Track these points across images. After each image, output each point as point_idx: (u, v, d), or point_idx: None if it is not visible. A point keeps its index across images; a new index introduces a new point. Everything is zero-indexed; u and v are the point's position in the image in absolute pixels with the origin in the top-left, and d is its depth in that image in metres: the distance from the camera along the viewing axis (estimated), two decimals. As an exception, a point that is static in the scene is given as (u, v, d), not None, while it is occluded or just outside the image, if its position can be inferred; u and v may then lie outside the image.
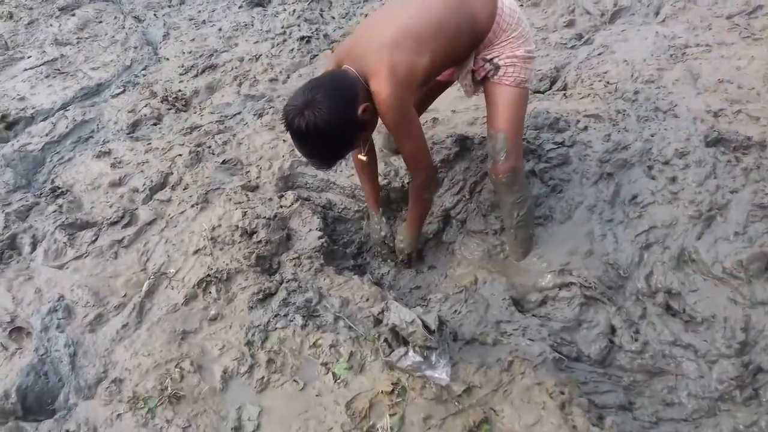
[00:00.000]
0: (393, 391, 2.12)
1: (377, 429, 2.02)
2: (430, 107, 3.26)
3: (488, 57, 2.43)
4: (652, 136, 3.15)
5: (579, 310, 2.48)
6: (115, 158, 3.62)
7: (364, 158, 2.61)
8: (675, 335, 2.38)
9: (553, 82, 4.04)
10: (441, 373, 2.11)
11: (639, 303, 2.51)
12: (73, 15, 5.80)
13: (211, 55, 4.83)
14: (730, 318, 2.34)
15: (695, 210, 2.70)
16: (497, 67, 2.42)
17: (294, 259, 2.73)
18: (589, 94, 3.64)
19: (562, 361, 2.26)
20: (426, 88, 2.84)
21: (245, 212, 2.87)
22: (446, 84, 2.85)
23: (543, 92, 3.95)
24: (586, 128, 3.30)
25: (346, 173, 3.33)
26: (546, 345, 2.29)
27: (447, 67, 2.48)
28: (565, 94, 3.74)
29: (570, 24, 4.65)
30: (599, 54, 4.09)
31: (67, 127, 3.98)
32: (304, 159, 3.38)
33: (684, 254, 2.59)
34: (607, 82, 3.72)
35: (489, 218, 2.95)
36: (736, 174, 2.81)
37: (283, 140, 3.62)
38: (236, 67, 4.62)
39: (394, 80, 2.13)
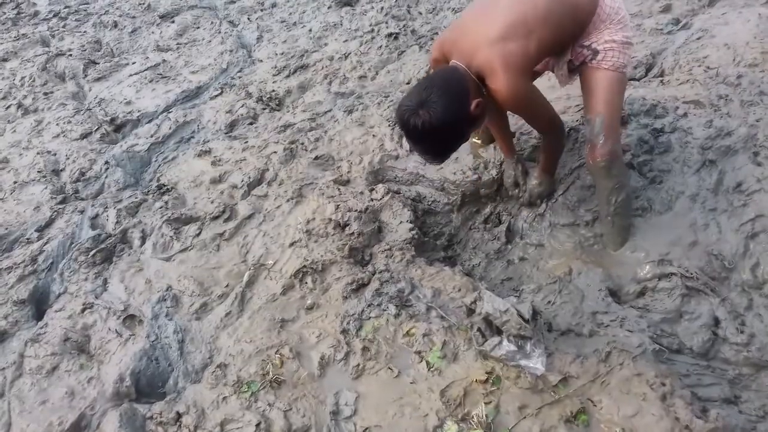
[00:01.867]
0: (487, 380, 2.12)
1: (473, 416, 2.02)
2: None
3: (586, 43, 2.42)
4: (757, 121, 3.00)
5: (680, 302, 2.40)
6: (215, 157, 3.79)
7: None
8: (784, 327, 2.26)
9: (648, 69, 3.90)
10: (536, 363, 2.09)
11: (745, 294, 2.40)
12: (173, 22, 6.10)
13: (302, 55, 4.96)
14: None
15: (806, 197, 2.56)
16: (596, 52, 2.40)
17: (386, 250, 2.77)
18: (688, 80, 3.49)
19: (662, 353, 2.19)
20: None
21: (338, 205, 2.94)
22: (537, 75, 2.82)
23: (638, 79, 3.83)
24: (685, 115, 3.18)
25: (435, 166, 3.34)
26: (645, 336, 2.23)
27: (552, 52, 2.48)
28: (662, 81, 3.61)
29: (666, 9, 4.48)
30: (698, 38, 3.92)
31: (170, 129, 4.20)
32: (393, 153, 3.46)
33: (794, 244, 2.46)
34: (708, 67, 3.56)
35: (578, 211, 2.90)
36: None
37: (373, 135, 3.68)
38: (326, 66, 4.73)
39: (511, 73, 2.18)
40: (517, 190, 3.03)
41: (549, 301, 2.47)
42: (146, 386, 2.44)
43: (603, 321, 2.34)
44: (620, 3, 2.40)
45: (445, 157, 2.39)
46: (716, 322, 2.33)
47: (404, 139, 2.29)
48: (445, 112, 2.12)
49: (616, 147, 2.51)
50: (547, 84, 3.49)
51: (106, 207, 3.44)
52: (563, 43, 2.41)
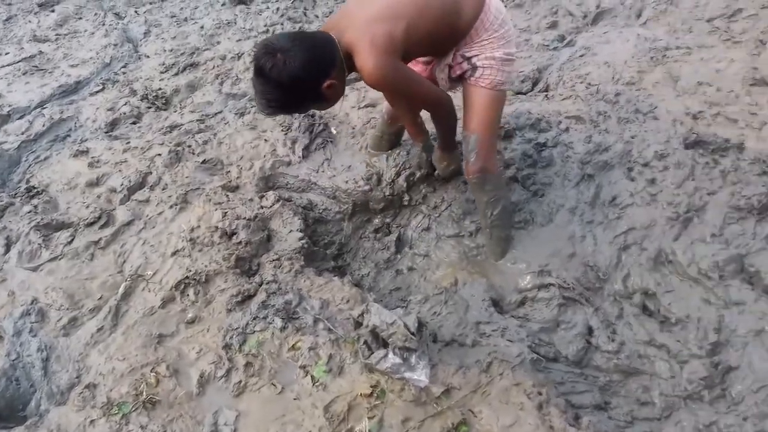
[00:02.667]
0: (372, 393, 2.11)
1: (355, 432, 2.00)
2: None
3: (467, 54, 2.45)
4: (632, 137, 3.17)
5: (557, 311, 2.49)
6: (92, 157, 3.57)
7: None
8: (650, 335, 2.39)
9: (535, 83, 4.05)
10: (420, 375, 2.10)
11: (616, 304, 2.53)
12: (53, 11, 5.74)
13: (193, 53, 4.79)
14: (703, 318, 2.36)
15: (673, 212, 2.72)
16: (475, 68, 2.44)
17: (274, 260, 2.70)
18: (570, 96, 3.65)
19: (540, 362, 2.27)
20: None
21: (225, 213, 2.84)
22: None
23: (525, 93, 3.96)
24: (567, 129, 3.32)
25: (327, 174, 3.31)
26: (524, 346, 2.29)
27: (425, 50, 2.51)
28: (546, 96, 3.76)
29: (553, 25, 4.67)
30: (581, 56, 4.11)
31: (43, 126, 3.93)
32: (285, 159, 3.40)
33: (661, 255, 2.60)
34: (589, 84, 3.74)
35: (462, 222, 2.96)
36: (714, 176, 2.83)
37: (265, 140, 3.59)
38: (218, 66, 4.59)
39: (374, 51, 2.18)
40: (427, 169, 3.11)
41: (435, 312, 2.49)
42: (5, 409, 2.25)
43: (485, 331, 2.38)
44: (506, 17, 2.44)
45: (274, 113, 2.35)
46: (590, 330, 2.43)
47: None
48: (298, 70, 2.11)
49: (489, 164, 2.60)
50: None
51: (-33, 211, 3.16)
52: (442, 40, 2.42)
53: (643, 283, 2.53)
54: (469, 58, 2.45)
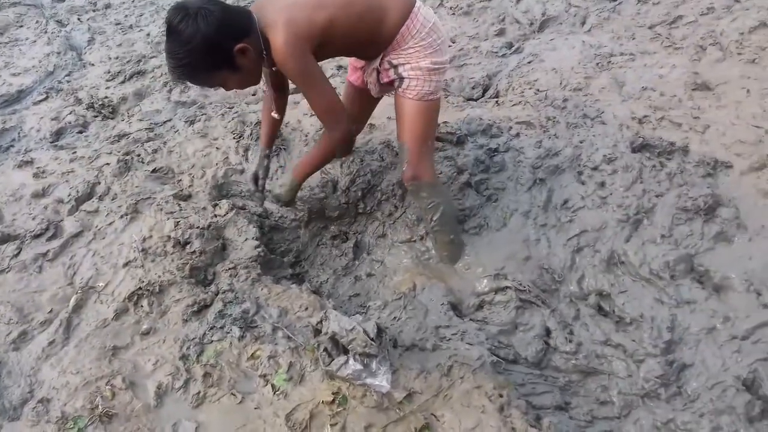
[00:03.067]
0: (334, 400, 2.10)
1: (318, 440, 1.99)
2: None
3: (393, 62, 2.46)
4: (581, 142, 3.25)
5: (515, 314, 2.53)
6: (37, 168, 3.46)
7: (276, 115, 2.80)
8: (606, 335, 2.45)
9: (485, 90, 4.12)
10: (381, 381, 2.09)
11: (572, 305, 2.58)
12: (-9, 18, 5.55)
13: (140, 60, 4.70)
14: (657, 317, 2.42)
15: (623, 214, 2.80)
16: (401, 79, 2.46)
17: (230, 269, 2.66)
18: (520, 102, 3.72)
19: (500, 364, 2.29)
20: (359, 99, 2.91)
21: (178, 222, 2.78)
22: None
23: (476, 99, 4.03)
24: (518, 135, 3.38)
25: (281, 181, 3.28)
26: (484, 349, 2.31)
27: (346, 48, 2.51)
28: (497, 102, 3.82)
29: (500, 33, 4.75)
30: (529, 62, 4.20)
31: (-15, 136, 3.79)
32: (238, 167, 3.37)
33: (613, 257, 2.67)
34: (537, 90, 3.82)
35: (415, 228, 3.00)
36: (661, 179, 2.92)
37: (216, 147, 3.55)
38: (166, 73, 4.50)
39: (290, 30, 2.16)
40: (255, 186, 3.00)
41: (395, 317, 2.49)
42: (-48, 429, 2.16)
43: (445, 335, 2.40)
44: (436, 25, 2.44)
45: (181, 77, 2.23)
46: (548, 332, 2.47)
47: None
48: (211, 28, 2.06)
49: (421, 172, 2.60)
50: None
51: None
52: (364, 41, 2.42)
53: (597, 285, 2.59)
54: (395, 66, 2.46)
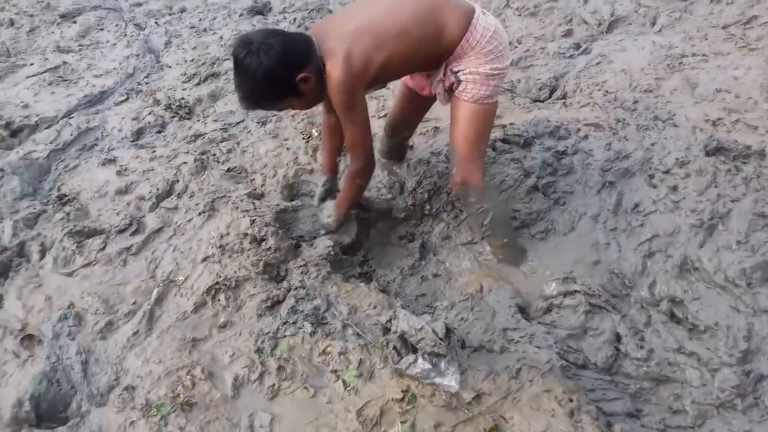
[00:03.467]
0: (403, 398, 2.15)
1: (389, 436, 2.05)
2: (432, 117, 3.31)
3: (455, 69, 2.49)
4: (652, 145, 3.21)
5: (584, 318, 2.52)
6: (120, 166, 3.64)
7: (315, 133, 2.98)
8: (679, 343, 2.41)
9: (552, 91, 4.09)
10: (450, 381, 2.13)
11: (644, 311, 2.55)
12: (75, 22, 5.82)
13: (213, 63, 4.85)
14: (732, 326, 2.38)
15: (697, 219, 2.76)
16: (459, 82, 2.49)
17: (301, 266, 2.75)
18: (588, 103, 3.70)
19: (569, 369, 2.29)
20: (413, 102, 2.96)
21: (253, 220, 2.89)
22: (434, 98, 2.90)
23: (543, 101, 4.01)
24: (586, 137, 3.36)
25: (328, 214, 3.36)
26: (553, 352, 2.32)
27: (405, 72, 2.63)
28: (564, 103, 3.80)
29: (568, 33, 4.72)
30: (597, 63, 4.15)
31: (71, 135, 3.99)
32: (307, 167, 3.46)
33: (687, 263, 2.64)
34: (606, 92, 3.78)
35: (477, 231, 2.99)
36: (737, 183, 2.86)
37: (287, 148, 3.66)
38: (239, 75, 4.64)
39: (347, 66, 2.25)
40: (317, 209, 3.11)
41: (462, 318, 2.53)
42: (47, 411, 2.30)
43: (513, 337, 2.41)
44: (498, 32, 2.46)
45: (251, 106, 2.41)
46: (618, 338, 2.46)
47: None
48: (272, 62, 2.19)
49: (469, 177, 2.64)
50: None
51: (2, 218, 3.22)
52: (424, 61, 2.49)
53: (669, 291, 2.56)
54: (455, 72, 2.49)
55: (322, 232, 3.00)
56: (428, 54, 2.45)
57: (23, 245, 3.04)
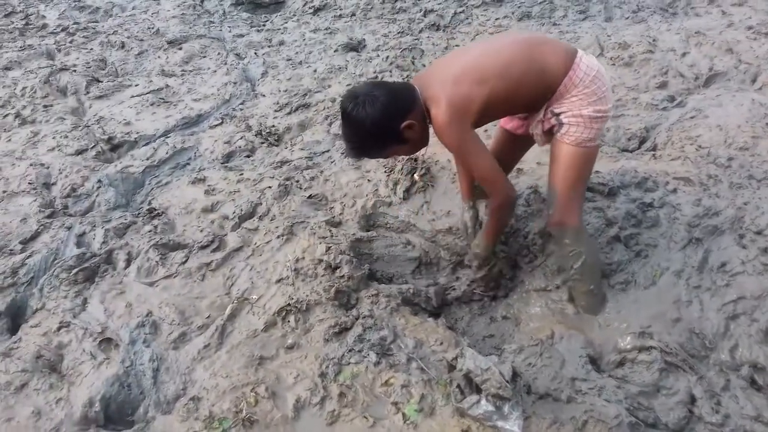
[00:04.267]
0: (462, 438, 2.11)
1: (444, 474, 2.01)
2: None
3: (556, 111, 2.47)
4: (744, 204, 3.08)
5: (658, 376, 2.41)
6: (209, 186, 3.80)
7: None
8: (758, 411, 2.27)
9: (642, 142, 4.00)
10: (513, 426, 2.08)
11: (722, 374, 2.42)
12: (180, 49, 6.17)
13: (305, 94, 5.02)
14: (818, 399, 2.23)
15: (788, 283, 2.61)
16: (561, 124, 2.46)
17: (372, 296, 2.77)
18: (679, 157, 3.59)
19: (638, 426, 2.20)
20: (510, 144, 2.93)
21: (329, 247, 2.94)
22: (532, 139, 2.88)
23: (631, 151, 3.92)
24: (675, 191, 3.25)
25: (427, 216, 3.38)
26: (622, 408, 2.23)
27: (508, 111, 2.63)
28: (654, 155, 3.71)
29: (662, 86, 4.61)
30: (692, 117, 4.04)
31: (167, 153, 4.21)
32: (386, 200, 3.49)
33: (773, 328, 2.49)
34: (699, 146, 3.66)
35: (553, 277, 2.94)
36: (834, 249, 2.69)
37: (368, 180, 3.72)
38: (328, 107, 4.79)
39: (450, 108, 2.30)
40: (466, 233, 3.10)
41: (530, 363, 2.47)
42: (115, 412, 2.40)
43: (581, 388, 2.34)
44: (600, 72, 2.43)
45: (359, 155, 2.55)
46: (692, 399, 2.33)
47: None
48: (377, 113, 2.27)
49: (568, 219, 2.62)
50: (546, 147, 3.56)
51: (94, 226, 3.42)
52: (526, 100, 2.49)
53: (752, 356, 2.42)
54: (557, 114, 2.47)
55: (473, 263, 2.99)
56: (530, 92, 2.45)
57: (111, 253, 3.20)
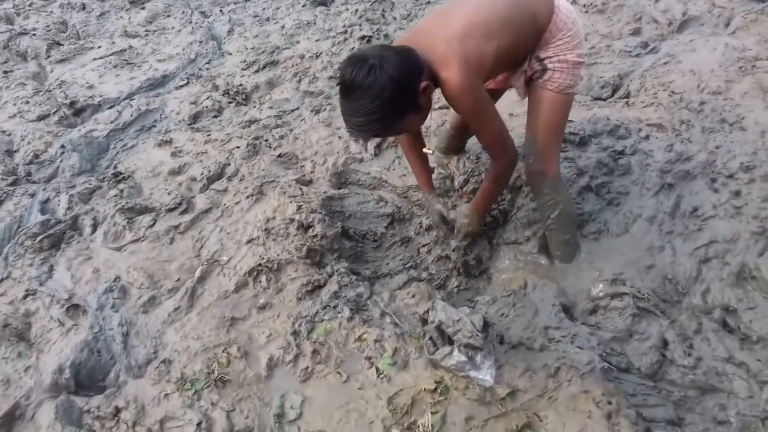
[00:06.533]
0: (436, 389, 2.11)
1: (418, 426, 2.01)
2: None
3: (542, 56, 2.39)
4: (716, 148, 3.07)
5: (631, 321, 2.41)
6: (175, 147, 3.71)
7: (429, 151, 2.59)
8: (729, 352, 2.28)
9: (615, 90, 3.96)
10: (485, 375, 2.09)
11: (694, 318, 2.42)
12: (143, 8, 5.99)
13: (273, 51, 4.90)
14: (788, 339, 2.24)
15: (758, 226, 2.62)
16: (544, 70, 2.39)
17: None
18: (652, 103, 3.56)
19: (611, 372, 2.20)
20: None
21: (300, 206, 2.89)
22: (501, 91, 2.81)
23: (604, 99, 3.88)
24: (647, 137, 3.23)
25: (398, 172, 3.33)
26: (595, 354, 2.23)
27: (509, 63, 2.42)
28: (627, 102, 3.67)
29: (636, 32, 4.55)
30: (665, 63, 3.99)
31: (131, 116, 4.11)
32: (358, 156, 3.43)
33: (744, 271, 2.50)
34: (672, 92, 3.63)
35: (523, 230, 2.89)
36: (805, 191, 2.70)
37: (339, 137, 3.65)
38: (297, 64, 4.68)
39: (466, 67, 2.08)
40: (443, 228, 2.83)
41: (502, 314, 2.46)
42: (86, 378, 2.36)
43: (554, 336, 2.34)
44: (575, 15, 2.38)
45: (374, 130, 2.06)
46: (665, 343, 2.34)
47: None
48: (397, 73, 1.96)
49: (547, 167, 2.53)
50: (515, 98, 3.50)
51: (59, 192, 3.33)
52: (522, 52, 2.38)
53: (723, 299, 2.43)
54: (542, 60, 2.39)
55: (459, 239, 2.77)
56: (527, 42, 2.34)
57: (77, 219, 3.13)
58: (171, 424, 2.11)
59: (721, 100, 3.47)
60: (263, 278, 2.64)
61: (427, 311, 2.28)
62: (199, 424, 2.07)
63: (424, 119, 2.25)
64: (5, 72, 4.83)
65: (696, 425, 2.11)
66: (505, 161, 2.42)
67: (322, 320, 2.43)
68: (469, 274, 2.82)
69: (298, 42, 5.09)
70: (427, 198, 2.83)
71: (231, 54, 5.03)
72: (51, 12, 5.98)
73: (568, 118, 2.61)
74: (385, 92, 1.95)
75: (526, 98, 2.55)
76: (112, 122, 4.04)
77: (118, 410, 2.16)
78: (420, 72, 2.06)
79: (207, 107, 4.23)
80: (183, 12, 5.88)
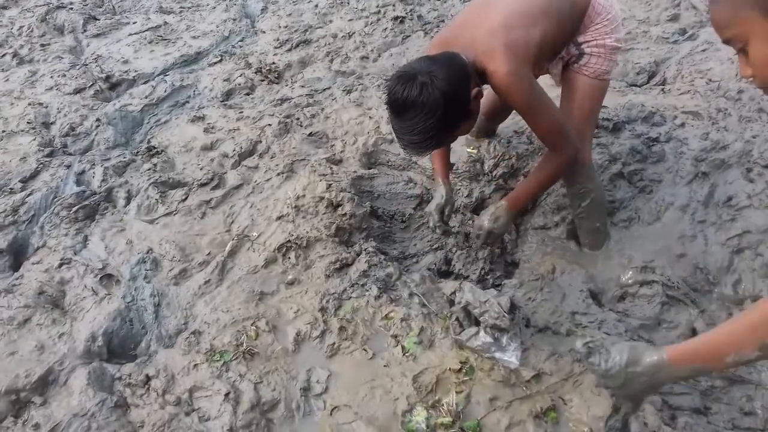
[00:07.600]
0: (461, 369, 2.12)
1: (443, 404, 2.02)
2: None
3: (579, 40, 2.35)
4: (753, 137, 3.01)
5: (660, 309, 2.40)
6: (208, 124, 3.74)
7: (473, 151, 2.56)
8: (760, 344, 2.26)
9: (651, 77, 3.90)
10: (510, 357, 2.09)
11: (724, 308, 2.41)
12: (179, -15, 6.02)
13: (306, 30, 4.90)
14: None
15: (794, 217, 2.57)
16: (581, 55, 2.35)
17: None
18: (689, 91, 3.51)
19: (637, 358, 2.19)
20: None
21: (330, 184, 2.90)
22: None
23: (639, 86, 3.83)
24: (683, 125, 3.19)
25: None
26: (622, 340, 2.22)
27: (552, 51, 2.35)
28: (663, 89, 3.62)
29: (674, 18, 4.47)
30: (703, 50, 3.92)
31: (165, 91, 4.15)
32: (388, 137, 3.43)
33: (778, 262, 2.47)
34: (710, 80, 3.57)
35: (552, 216, 2.89)
36: (843, 183, 2.64)
37: (369, 117, 3.65)
38: (329, 44, 4.68)
39: (513, 57, 2.02)
40: (440, 219, 2.60)
41: (530, 298, 2.46)
42: (118, 347, 2.42)
43: (581, 321, 2.34)
44: (614, 0, 2.35)
45: (427, 147, 2.04)
46: (694, 332, 2.33)
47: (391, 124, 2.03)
48: (447, 86, 1.90)
49: (581, 154, 2.42)
50: (548, 82, 3.47)
51: (94, 164, 3.39)
52: (562, 39, 2.32)
53: (755, 290, 2.41)
54: (579, 44, 2.35)
55: (478, 245, 2.62)
56: (568, 28, 2.29)
57: (111, 191, 3.19)
58: (200, 393, 2.15)
59: (759, 89, 3.39)
60: (292, 255, 2.67)
61: (454, 292, 2.29)
62: (227, 395, 2.11)
63: (475, 122, 2.22)
64: (43, 45, 4.90)
65: (722, 414, 2.10)
66: (567, 154, 2.27)
67: (350, 298, 2.45)
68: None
69: (331, 21, 5.08)
70: (437, 183, 2.68)
71: (264, 32, 5.04)
72: (88, -13, 6.04)
73: (602, 105, 2.58)
74: (439, 109, 1.91)
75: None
76: (146, 97, 4.08)
77: (148, 378, 2.21)
78: (468, 79, 2.03)
79: (240, 84, 4.25)
80: (217, -11, 5.90)
